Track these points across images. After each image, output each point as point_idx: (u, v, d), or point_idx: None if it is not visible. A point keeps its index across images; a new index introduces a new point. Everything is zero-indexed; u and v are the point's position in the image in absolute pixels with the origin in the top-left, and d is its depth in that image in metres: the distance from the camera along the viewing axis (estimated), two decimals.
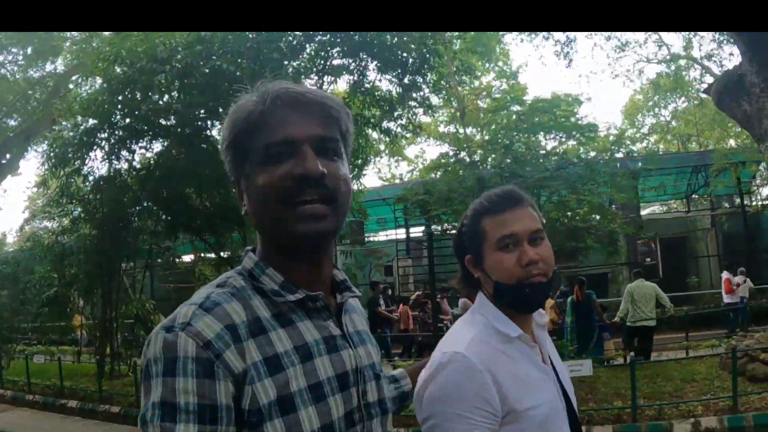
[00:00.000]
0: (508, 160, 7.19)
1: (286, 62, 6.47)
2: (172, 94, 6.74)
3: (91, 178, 7.60)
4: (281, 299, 0.66)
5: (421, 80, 7.31)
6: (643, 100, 21.06)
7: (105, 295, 7.83)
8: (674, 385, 5.10)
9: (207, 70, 6.11)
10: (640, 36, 13.76)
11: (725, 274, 9.21)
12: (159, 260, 8.75)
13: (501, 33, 14.46)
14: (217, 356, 0.59)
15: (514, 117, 9.78)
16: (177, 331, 0.60)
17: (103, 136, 7.13)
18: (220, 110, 6.51)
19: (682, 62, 17.02)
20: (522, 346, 0.90)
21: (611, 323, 7.29)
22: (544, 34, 9.84)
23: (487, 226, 0.91)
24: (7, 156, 15.24)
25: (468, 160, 8.51)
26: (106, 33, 7.63)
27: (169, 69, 6.14)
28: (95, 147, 7.22)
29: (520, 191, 0.94)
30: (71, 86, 13.53)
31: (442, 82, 7.39)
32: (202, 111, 6.66)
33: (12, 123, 15.75)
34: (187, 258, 11.75)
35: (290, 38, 6.49)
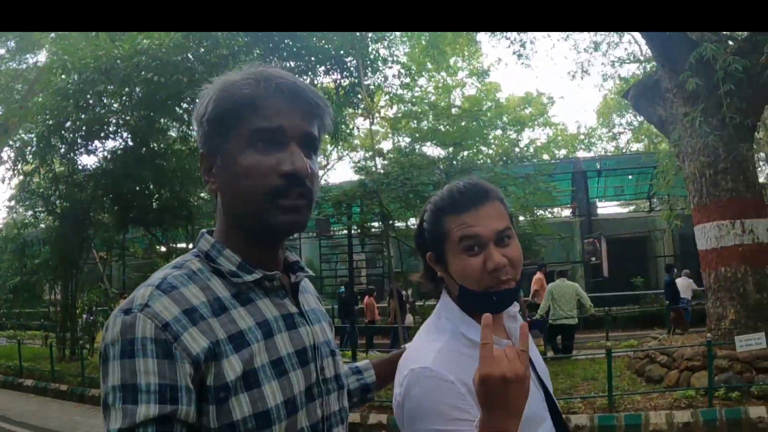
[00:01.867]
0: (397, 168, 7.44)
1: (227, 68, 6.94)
2: (116, 101, 7.24)
3: (50, 175, 8.19)
4: (239, 280, 0.67)
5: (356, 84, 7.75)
6: (615, 100, 21.35)
7: (65, 283, 8.51)
8: (571, 382, 5.31)
9: (144, 81, 6.57)
10: (614, 36, 13.91)
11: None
12: (114, 252, 9.39)
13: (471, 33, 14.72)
14: (175, 338, 0.59)
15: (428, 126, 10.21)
16: (135, 312, 0.60)
17: (58, 138, 7.67)
18: (157, 118, 7.06)
19: (655, 63, 17.16)
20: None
21: (531, 321, 7.67)
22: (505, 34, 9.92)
23: (449, 225, 0.83)
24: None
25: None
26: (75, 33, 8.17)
27: (109, 80, 6.63)
28: (52, 148, 7.76)
29: (486, 184, 0.87)
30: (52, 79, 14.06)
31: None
32: (143, 118, 7.19)
33: None
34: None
35: (232, 42, 6.92)
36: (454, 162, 8.37)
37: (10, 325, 10.72)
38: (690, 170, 5.66)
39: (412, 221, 9.37)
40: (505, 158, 9.00)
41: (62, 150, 7.78)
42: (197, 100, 0.73)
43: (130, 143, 7.76)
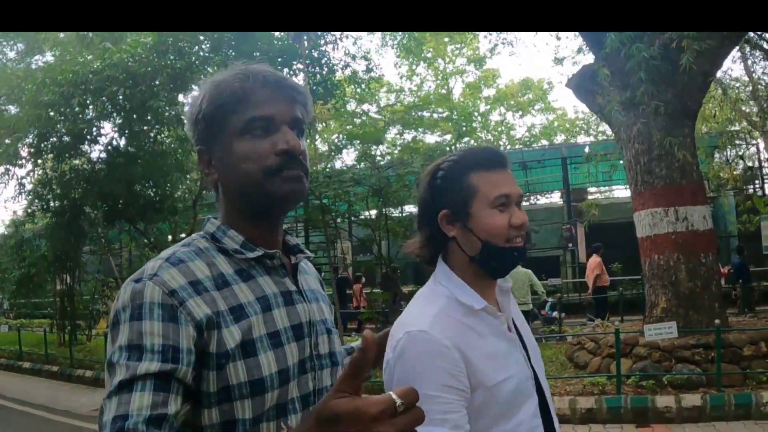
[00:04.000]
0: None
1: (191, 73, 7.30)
2: (94, 111, 7.77)
3: (44, 177, 8.86)
4: (242, 256, 0.73)
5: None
6: None
7: (62, 275, 9.24)
8: None
9: (112, 93, 7.05)
10: None
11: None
12: (105, 245, 10.08)
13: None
14: (181, 303, 0.64)
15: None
16: (145, 280, 0.65)
17: (48, 144, 8.28)
18: (133, 123, 7.53)
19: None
20: (487, 317, 0.86)
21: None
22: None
23: (480, 182, 0.85)
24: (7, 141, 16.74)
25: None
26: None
27: (81, 92, 7.11)
28: (41, 153, 8.39)
29: (504, 153, 0.91)
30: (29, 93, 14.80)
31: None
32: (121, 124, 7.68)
33: (13, 110, 17.24)
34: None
35: (192, 54, 7.27)
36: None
37: (17, 314, 11.73)
38: (627, 158, 5.64)
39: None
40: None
41: (51, 156, 8.41)
42: (189, 102, 0.82)
43: (113, 146, 8.30)
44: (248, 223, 0.76)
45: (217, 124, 0.75)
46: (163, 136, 8.11)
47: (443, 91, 21.79)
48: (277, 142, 0.72)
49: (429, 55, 20.30)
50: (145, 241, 8.86)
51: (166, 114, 7.33)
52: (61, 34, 11.19)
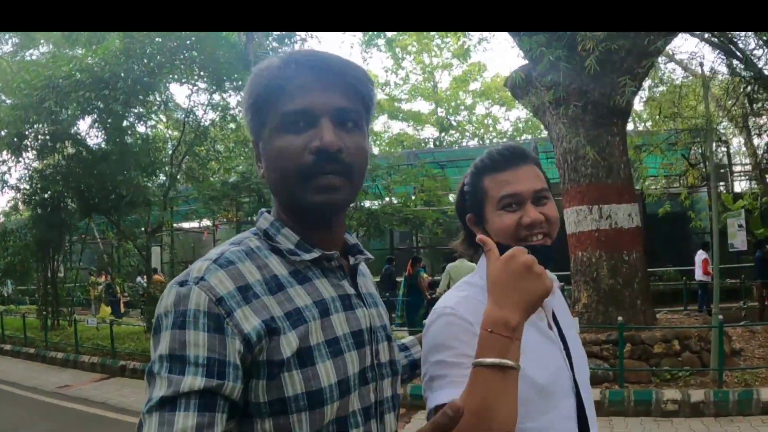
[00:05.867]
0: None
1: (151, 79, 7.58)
2: (66, 113, 8.15)
3: (26, 171, 9.35)
4: (297, 258, 0.68)
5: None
6: None
7: (45, 264, 9.76)
8: None
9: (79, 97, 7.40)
10: None
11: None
12: (84, 237, 10.58)
13: None
14: (228, 314, 0.59)
15: None
16: (190, 284, 0.60)
17: (27, 142, 8.71)
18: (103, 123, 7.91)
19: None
20: None
21: (431, 299, 7.71)
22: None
23: (489, 185, 0.87)
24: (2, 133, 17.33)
25: None
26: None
27: (54, 95, 7.47)
28: (21, 151, 8.83)
29: (523, 148, 0.90)
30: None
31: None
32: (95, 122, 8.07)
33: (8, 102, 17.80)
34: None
35: (152, 62, 7.54)
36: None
37: (3, 300, 12.44)
38: (557, 156, 5.69)
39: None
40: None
41: (30, 153, 8.86)
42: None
43: (85, 144, 8.70)
44: (301, 222, 0.70)
45: (258, 118, 0.70)
46: (128, 135, 8.43)
47: (429, 84, 21.61)
48: (312, 139, 0.66)
49: (413, 48, 20.11)
50: (115, 232, 9.30)
51: (129, 116, 7.64)
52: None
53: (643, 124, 15.51)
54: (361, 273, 0.78)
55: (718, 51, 5.69)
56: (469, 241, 0.95)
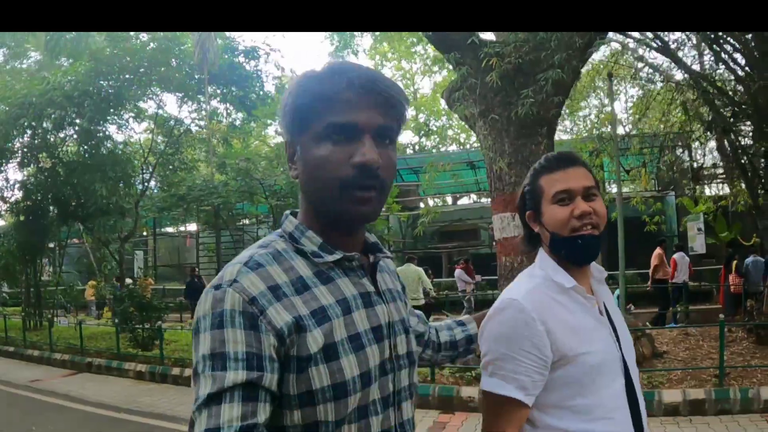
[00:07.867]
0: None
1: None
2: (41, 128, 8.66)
3: (6, 183, 9.87)
4: (320, 260, 0.72)
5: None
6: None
7: (28, 268, 10.23)
8: None
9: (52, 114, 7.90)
10: None
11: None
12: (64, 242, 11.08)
13: None
14: (261, 311, 0.64)
15: None
16: (225, 287, 0.65)
17: (6, 154, 9.20)
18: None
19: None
20: (577, 296, 0.94)
21: None
22: None
23: (545, 183, 0.99)
24: None
25: None
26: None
27: (27, 113, 7.92)
28: (1, 163, 9.33)
29: (574, 153, 1.02)
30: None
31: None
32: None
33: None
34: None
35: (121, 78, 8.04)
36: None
37: None
38: (486, 164, 6.08)
39: None
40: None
41: (9, 165, 9.38)
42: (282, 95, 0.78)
43: (59, 158, 9.21)
44: (325, 226, 0.75)
45: (299, 123, 0.73)
46: (102, 147, 8.91)
47: (410, 90, 21.87)
48: (354, 154, 0.70)
49: (392, 55, 20.26)
50: (91, 237, 9.75)
51: (102, 129, 8.11)
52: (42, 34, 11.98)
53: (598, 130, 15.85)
54: (383, 269, 0.83)
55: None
56: (527, 236, 1.06)
